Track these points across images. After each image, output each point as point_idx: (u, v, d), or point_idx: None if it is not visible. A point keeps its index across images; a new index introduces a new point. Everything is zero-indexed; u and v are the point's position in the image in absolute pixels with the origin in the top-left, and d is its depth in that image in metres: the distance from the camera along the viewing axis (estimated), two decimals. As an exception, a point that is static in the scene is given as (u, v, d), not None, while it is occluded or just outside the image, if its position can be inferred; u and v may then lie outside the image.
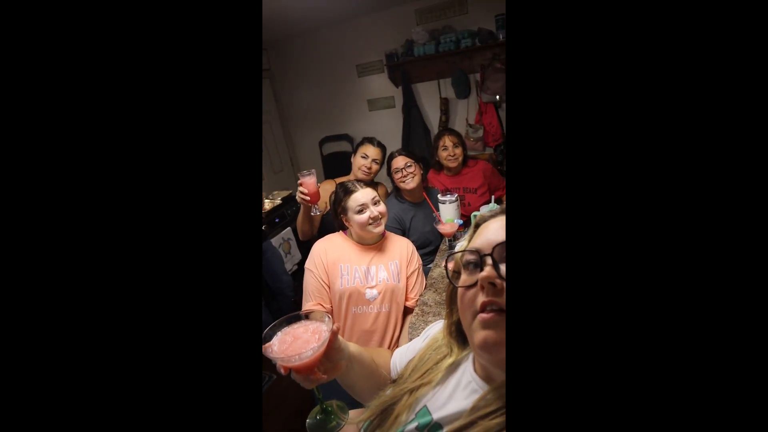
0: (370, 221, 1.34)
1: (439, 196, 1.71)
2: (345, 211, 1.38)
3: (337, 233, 1.48)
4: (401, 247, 1.46)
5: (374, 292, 1.36)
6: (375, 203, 1.36)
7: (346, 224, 1.41)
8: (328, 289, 1.36)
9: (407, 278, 1.43)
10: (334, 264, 1.36)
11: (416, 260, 1.47)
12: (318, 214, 1.65)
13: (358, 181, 1.44)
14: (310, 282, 1.37)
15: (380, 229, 1.37)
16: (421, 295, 1.44)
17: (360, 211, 1.34)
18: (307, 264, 1.40)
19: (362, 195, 1.36)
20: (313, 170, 1.57)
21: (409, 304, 1.44)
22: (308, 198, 1.55)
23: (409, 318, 1.41)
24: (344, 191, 1.39)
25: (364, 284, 1.35)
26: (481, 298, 0.47)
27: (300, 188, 1.56)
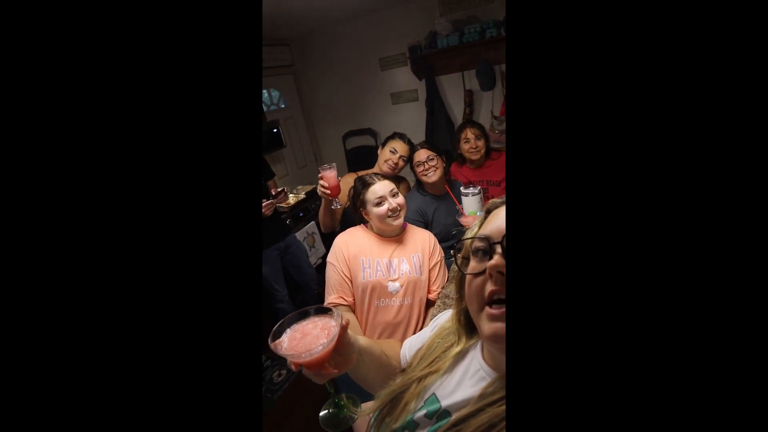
0: (390, 213, 1.34)
1: (461, 188, 1.68)
2: (364, 204, 1.38)
3: (358, 226, 1.48)
4: (423, 240, 1.45)
5: (397, 285, 1.36)
6: (393, 195, 1.36)
7: (366, 217, 1.41)
8: (350, 283, 1.37)
9: (429, 270, 1.42)
10: (356, 257, 1.36)
11: (438, 252, 1.46)
12: (339, 207, 1.65)
13: (377, 174, 1.44)
14: (332, 275, 1.38)
15: (399, 221, 1.37)
16: (443, 288, 1.42)
17: (379, 204, 1.34)
18: (329, 257, 1.40)
19: (380, 187, 1.36)
20: (333, 164, 1.58)
21: (431, 296, 1.43)
22: (329, 191, 1.56)
23: (432, 310, 1.40)
24: (362, 184, 1.40)
25: (386, 277, 1.35)
26: (490, 287, 0.46)
27: (321, 182, 1.57)
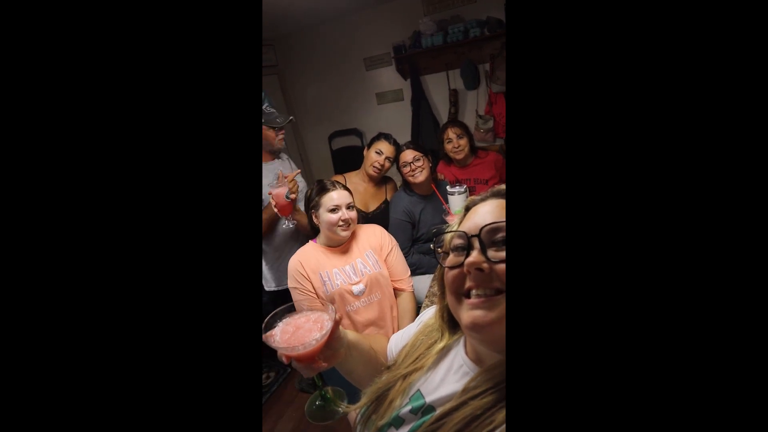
0: (341, 223, 1.35)
1: (448, 187, 1.70)
2: (317, 206, 1.38)
3: (306, 244, 1.48)
4: (370, 235, 1.48)
5: (360, 286, 1.38)
6: (348, 207, 1.37)
7: (315, 221, 1.41)
8: (317, 299, 1.38)
9: (386, 261, 1.45)
10: (315, 272, 1.37)
11: (389, 241, 1.50)
12: (291, 227, 1.57)
13: (337, 182, 1.44)
14: (299, 298, 1.37)
15: (347, 233, 1.38)
16: (430, 287, 1.44)
17: (333, 211, 1.34)
18: (289, 284, 1.39)
19: (338, 196, 1.36)
20: (284, 180, 1.50)
21: (397, 285, 1.46)
22: (276, 210, 1.51)
23: (401, 303, 1.46)
24: (320, 189, 1.40)
25: (348, 283, 1.37)
26: (468, 283, 0.47)
27: (271, 200, 1.52)
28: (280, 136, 1.77)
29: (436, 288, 1.39)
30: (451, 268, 0.50)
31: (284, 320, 0.58)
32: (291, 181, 1.61)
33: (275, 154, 1.85)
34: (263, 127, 1.71)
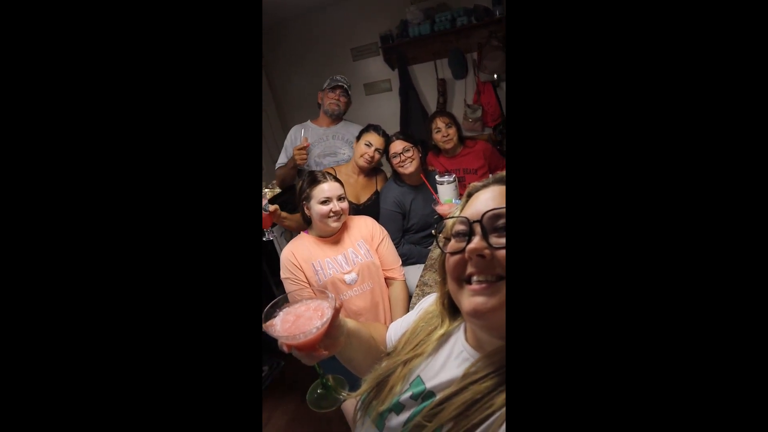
0: (331, 214, 1.36)
1: (437, 177, 1.70)
2: (308, 198, 1.40)
3: (298, 236, 1.49)
4: (362, 226, 1.50)
5: (353, 275, 1.40)
6: (339, 199, 1.39)
7: (307, 212, 1.43)
8: (310, 288, 1.39)
9: (377, 251, 1.48)
10: (307, 262, 1.38)
11: (380, 232, 1.52)
12: (270, 239, 1.55)
13: (329, 173, 1.45)
14: (292, 289, 1.38)
15: (338, 225, 1.40)
16: (421, 277, 1.45)
17: (323, 203, 1.36)
18: (282, 275, 1.41)
19: (329, 188, 1.38)
20: (265, 192, 1.54)
21: (388, 274, 1.49)
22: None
23: (393, 292, 1.49)
24: (311, 180, 1.41)
25: (341, 272, 1.39)
26: (470, 269, 0.47)
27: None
28: (331, 100, 2.06)
29: (426, 278, 1.41)
30: (453, 254, 0.50)
31: (284, 309, 0.58)
32: (300, 150, 1.76)
33: (333, 118, 2.09)
34: (327, 90, 2.10)
